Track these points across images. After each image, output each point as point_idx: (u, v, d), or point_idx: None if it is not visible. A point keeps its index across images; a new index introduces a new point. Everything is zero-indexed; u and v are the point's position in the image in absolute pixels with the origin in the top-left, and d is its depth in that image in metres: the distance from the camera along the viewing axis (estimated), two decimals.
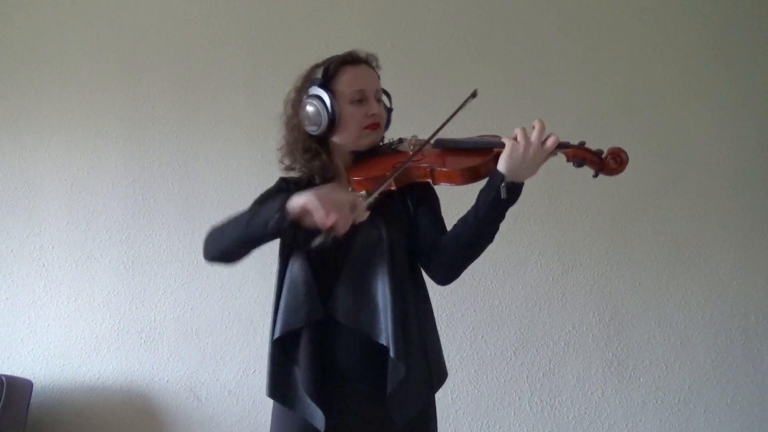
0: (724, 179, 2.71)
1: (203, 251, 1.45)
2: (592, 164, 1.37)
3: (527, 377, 2.63)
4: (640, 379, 2.63)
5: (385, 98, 1.54)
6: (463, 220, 1.38)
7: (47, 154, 2.75)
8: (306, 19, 2.77)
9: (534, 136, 1.31)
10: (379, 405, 1.36)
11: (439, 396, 2.71)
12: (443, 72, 2.73)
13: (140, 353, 2.65)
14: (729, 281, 2.67)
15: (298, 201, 1.25)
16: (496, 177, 1.32)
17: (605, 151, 1.36)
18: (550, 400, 2.62)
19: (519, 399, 2.62)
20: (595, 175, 1.38)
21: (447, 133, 1.45)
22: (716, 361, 2.63)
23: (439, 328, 2.74)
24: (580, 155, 1.35)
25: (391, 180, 1.38)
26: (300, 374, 1.37)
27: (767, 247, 2.69)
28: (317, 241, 1.22)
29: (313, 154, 1.48)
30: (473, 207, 1.35)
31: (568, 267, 2.67)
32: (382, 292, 1.37)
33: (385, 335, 1.34)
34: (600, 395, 2.62)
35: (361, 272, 1.39)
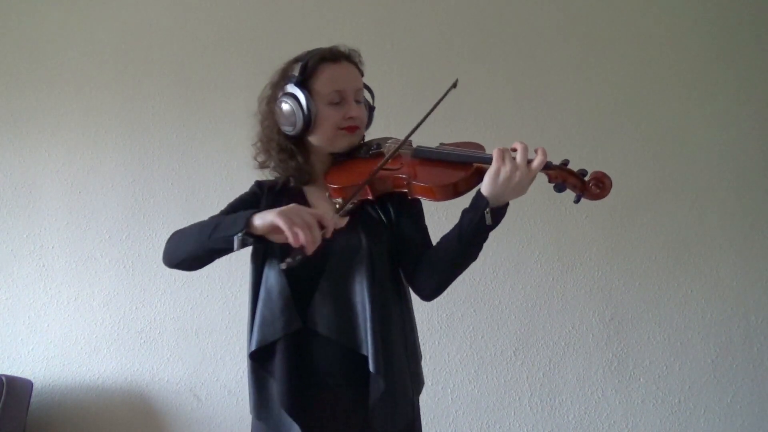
0: (724, 179, 2.71)
1: (163, 256, 1.41)
2: (574, 188, 1.32)
3: (527, 377, 2.63)
4: (640, 379, 2.63)
5: (367, 94, 1.48)
6: (446, 240, 1.33)
7: (47, 154, 2.76)
8: (306, 19, 2.77)
9: (519, 157, 1.24)
10: (361, 412, 1.32)
11: (439, 396, 2.73)
12: (443, 72, 2.73)
13: (140, 353, 2.65)
14: (729, 281, 2.67)
15: (264, 219, 1.21)
16: (480, 201, 1.26)
17: (589, 173, 1.32)
18: (550, 400, 2.62)
19: (519, 399, 2.62)
20: (577, 201, 1.34)
21: (439, 132, 1.42)
22: (716, 361, 2.63)
23: (439, 328, 2.76)
24: (562, 177, 1.31)
25: (365, 187, 1.33)
26: (276, 387, 1.32)
27: (767, 247, 2.69)
28: (286, 262, 1.18)
29: (289, 155, 1.42)
30: (456, 228, 1.31)
31: (568, 267, 2.67)
32: (362, 301, 1.32)
33: (365, 346, 1.30)
34: (600, 395, 2.62)
35: (339, 281, 1.34)
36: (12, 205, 2.73)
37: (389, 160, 1.33)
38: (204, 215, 2.80)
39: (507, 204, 1.28)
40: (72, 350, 2.66)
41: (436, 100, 1.36)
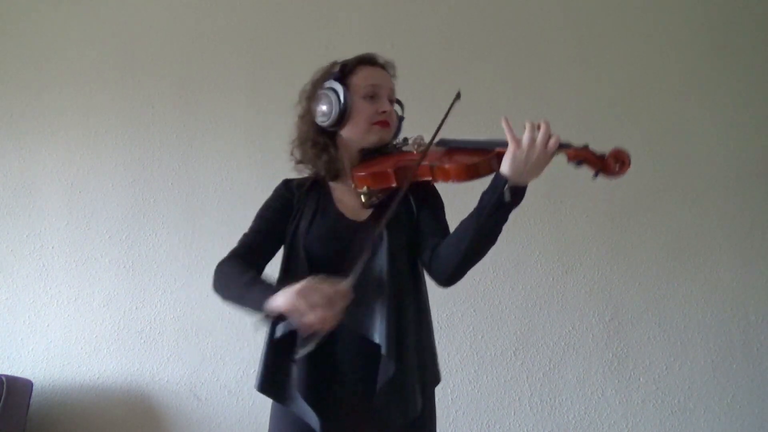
0: (724, 179, 2.71)
1: (214, 286, 1.45)
2: (592, 164, 1.34)
3: (527, 377, 2.63)
4: (640, 379, 2.63)
5: (397, 107, 1.55)
6: (466, 222, 1.36)
7: (47, 154, 2.76)
8: (306, 19, 2.78)
9: (540, 137, 1.27)
10: (371, 405, 1.35)
11: (439, 396, 2.71)
12: (443, 72, 2.73)
13: (140, 353, 2.65)
14: (729, 281, 2.67)
15: (278, 303, 1.24)
16: (499, 180, 1.30)
17: (607, 152, 1.35)
18: (550, 400, 2.62)
19: (519, 399, 2.62)
20: (595, 176, 1.36)
21: (447, 134, 1.45)
22: (716, 361, 2.63)
23: (439, 328, 2.73)
24: (581, 156, 1.33)
25: (390, 175, 1.38)
26: (297, 374, 1.36)
27: (767, 247, 2.69)
28: (301, 350, 1.23)
29: (322, 148, 1.48)
30: (476, 209, 1.33)
31: (568, 267, 2.67)
32: (380, 291, 1.36)
33: (378, 333, 1.34)
34: (600, 395, 2.62)
35: (364, 276, 1.35)
36: (12, 205, 2.73)
37: (425, 153, 1.39)
38: (204, 215, 2.82)
39: (525, 186, 1.31)
40: (72, 350, 2.66)
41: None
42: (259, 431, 2.60)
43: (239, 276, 1.38)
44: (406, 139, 1.52)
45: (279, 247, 1.47)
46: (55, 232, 2.71)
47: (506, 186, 1.28)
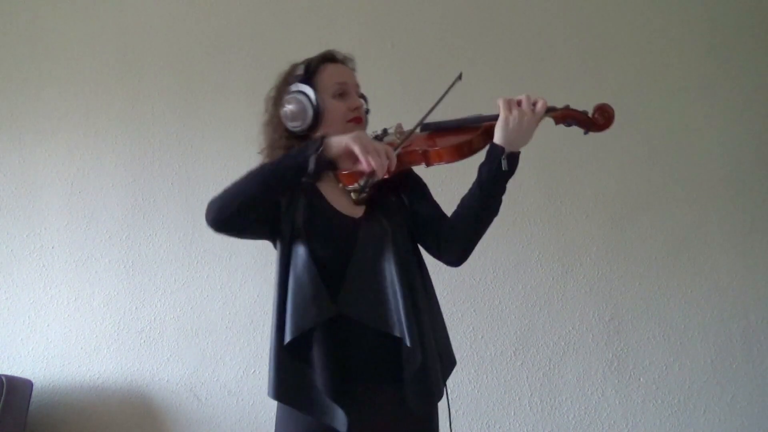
0: (724, 179, 2.71)
1: (209, 217, 1.36)
2: (581, 123, 1.42)
3: (527, 377, 2.63)
4: (640, 379, 2.63)
5: (361, 101, 1.52)
6: (468, 198, 1.40)
7: (47, 154, 2.76)
8: (306, 19, 2.78)
9: (524, 103, 1.36)
10: (396, 399, 1.36)
11: None
12: (443, 72, 2.73)
13: (140, 353, 2.65)
14: (729, 281, 2.67)
15: (339, 143, 1.27)
16: (495, 149, 1.35)
17: (590, 110, 1.42)
18: (550, 400, 2.62)
19: (519, 399, 2.62)
20: (586, 133, 1.43)
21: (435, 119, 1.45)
22: (716, 361, 2.63)
23: None
24: (569, 116, 1.41)
25: (402, 142, 1.39)
26: (317, 376, 1.32)
27: (767, 247, 2.69)
28: (357, 185, 1.26)
29: None
30: (476, 181, 1.38)
31: (568, 267, 2.67)
32: (391, 284, 1.36)
33: (399, 326, 1.34)
34: (600, 395, 2.62)
35: (368, 266, 1.38)
36: (12, 205, 2.74)
37: (406, 140, 1.40)
38: (204, 215, 2.81)
39: (519, 153, 1.36)
40: (72, 350, 2.66)
41: (438, 97, 1.43)
42: (259, 431, 2.60)
43: (254, 170, 1.35)
44: (385, 130, 1.49)
45: (264, 228, 1.43)
46: (55, 232, 2.72)
47: (503, 154, 1.33)
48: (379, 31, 2.76)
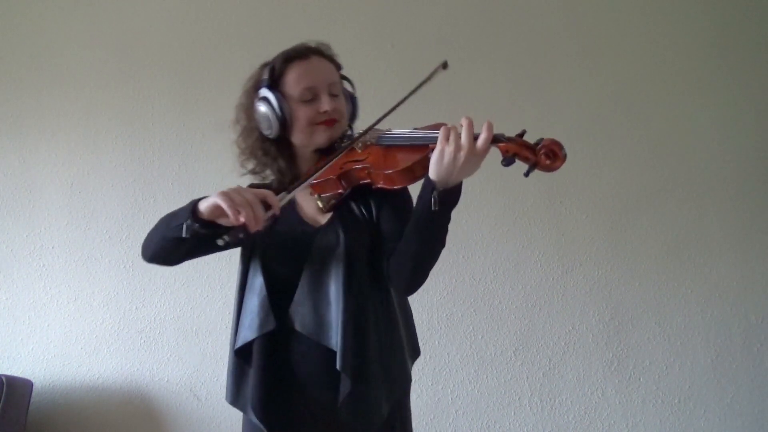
0: (724, 179, 2.71)
1: (141, 251, 1.40)
2: (525, 160, 1.20)
3: (527, 377, 2.63)
4: (640, 379, 2.63)
5: (347, 85, 1.46)
6: (407, 230, 1.27)
7: (47, 154, 2.76)
8: (306, 19, 2.77)
9: (463, 137, 1.16)
10: (333, 413, 1.32)
11: (439, 396, 2.73)
12: (443, 72, 2.73)
13: (140, 353, 2.65)
14: (729, 281, 2.67)
15: (207, 202, 1.21)
16: (427, 185, 1.20)
17: (541, 143, 1.21)
18: (550, 400, 2.62)
19: (519, 399, 2.62)
20: (527, 174, 1.21)
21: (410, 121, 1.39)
22: (716, 361, 2.63)
23: (439, 328, 2.75)
24: (513, 150, 1.18)
25: (337, 182, 1.34)
26: (251, 384, 1.35)
27: (767, 247, 2.69)
28: (223, 239, 1.17)
29: (272, 158, 1.42)
30: (413, 215, 1.25)
31: (568, 267, 2.67)
32: (336, 298, 1.31)
33: (335, 342, 1.30)
34: (600, 395, 2.62)
35: (317, 278, 1.34)
36: (12, 205, 2.73)
37: (347, 151, 1.32)
38: None
39: (460, 184, 1.20)
40: (72, 350, 2.66)
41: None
42: None
43: (167, 216, 1.32)
44: (351, 135, 1.42)
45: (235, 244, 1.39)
46: (55, 232, 2.71)
47: (434, 192, 1.18)
48: (378, 32, 2.76)
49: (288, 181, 1.41)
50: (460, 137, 1.16)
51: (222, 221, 1.21)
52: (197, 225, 1.21)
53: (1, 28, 2.82)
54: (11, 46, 2.81)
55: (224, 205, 1.17)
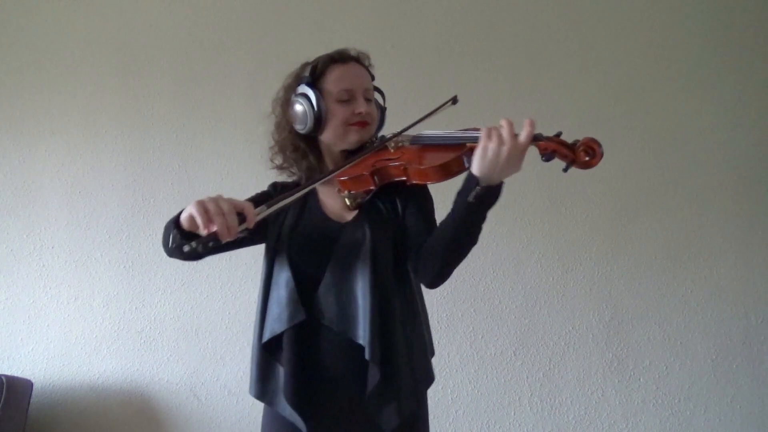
0: (724, 179, 2.71)
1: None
2: (563, 157, 1.27)
3: (527, 377, 2.63)
4: (640, 379, 2.63)
5: (378, 96, 1.53)
6: (443, 224, 1.32)
7: (47, 154, 2.76)
8: (306, 19, 2.77)
9: (504, 133, 1.20)
10: (362, 408, 1.36)
11: (439, 396, 2.73)
12: (443, 72, 2.73)
13: (140, 353, 2.65)
14: (729, 281, 2.67)
15: (185, 212, 1.23)
16: (470, 181, 1.24)
17: (579, 143, 1.28)
18: (550, 400, 2.62)
19: (519, 399, 2.62)
20: (565, 169, 1.29)
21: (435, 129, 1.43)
22: (716, 361, 2.63)
23: (439, 328, 2.75)
24: (551, 147, 1.26)
25: (368, 178, 1.38)
26: (282, 377, 1.37)
27: (767, 247, 2.69)
28: (189, 245, 1.19)
29: (302, 154, 1.47)
30: (451, 210, 1.29)
31: (568, 267, 2.67)
32: (362, 292, 1.35)
33: (363, 336, 1.33)
34: (600, 395, 2.62)
35: (343, 273, 1.38)
36: (12, 205, 2.73)
37: (379, 149, 1.39)
38: None
39: (501, 183, 1.24)
40: (72, 350, 2.66)
41: (437, 102, 1.42)
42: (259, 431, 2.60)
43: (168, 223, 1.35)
44: (383, 137, 1.48)
45: (251, 241, 1.45)
46: (55, 232, 2.72)
47: (477, 187, 1.22)
48: (379, 31, 2.76)
49: (312, 176, 1.46)
50: (501, 134, 1.21)
51: (199, 231, 1.21)
52: (178, 234, 1.24)
53: (1, 28, 2.82)
54: (11, 46, 2.81)
55: (195, 213, 1.19)
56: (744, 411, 2.61)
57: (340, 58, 1.46)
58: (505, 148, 1.20)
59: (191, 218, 1.21)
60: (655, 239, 2.69)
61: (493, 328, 2.65)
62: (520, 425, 2.61)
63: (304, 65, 1.49)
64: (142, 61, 2.79)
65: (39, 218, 2.72)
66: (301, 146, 1.47)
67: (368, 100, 1.46)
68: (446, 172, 1.31)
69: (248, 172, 2.68)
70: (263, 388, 1.41)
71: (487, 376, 2.63)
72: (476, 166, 1.22)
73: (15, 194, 2.74)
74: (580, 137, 1.31)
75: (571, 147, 1.26)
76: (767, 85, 2.76)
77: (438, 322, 2.63)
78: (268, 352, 1.41)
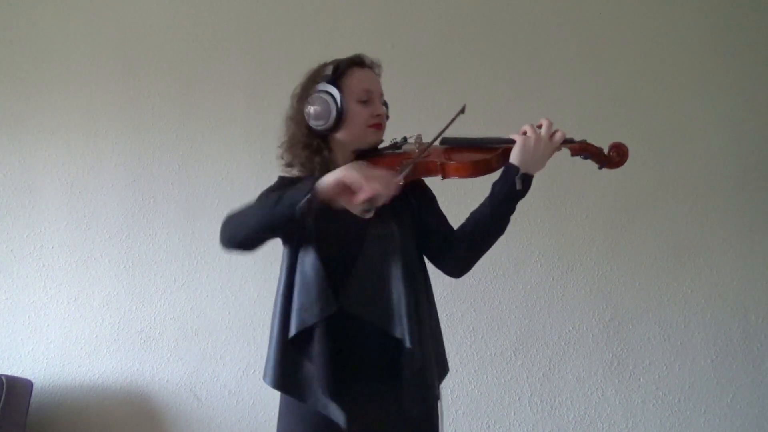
0: (724, 179, 2.71)
1: (221, 238, 1.41)
2: (596, 157, 1.50)
3: (527, 377, 2.63)
4: (640, 379, 2.63)
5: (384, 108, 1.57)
6: (477, 213, 1.45)
7: (47, 154, 2.75)
8: (306, 19, 2.77)
9: (543, 130, 1.41)
10: (393, 398, 1.39)
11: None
12: (443, 72, 2.73)
13: (140, 353, 2.65)
14: (729, 281, 2.67)
15: (333, 176, 1.26)
16: (511, 169, 1.40)
17: (606, 147, 1.50)
18: (550, 400, 2.62)
19: (519, 399, 2.62)
20: (600, 167, 1.52)
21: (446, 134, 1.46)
22: (716, 361, 2.63)
23: None
24: (582, 149, 1.49)
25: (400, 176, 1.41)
26: (315, 371, 1.37)
27: (767, 247, 2.69)
28: (362, 209, 1.24)
29: (314, 151, 1.48)
30: (488, 199, 1.43)
31: (568, 267, 2.67)
32: (396, 285, 1.39)
33: (400, 327, 1.37)
34: (600, 395, 2.62)
35: (374, 266, 1.41)
36: (12, 205, 2.73)
37: (424, 152, 1.44)
38: (204, 215, 2.83)
39: (532, 176, 1.42)
40: (72, 350, 2.66)
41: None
42: (259, 431, 2.60)
43: (260, 200, 1.39)
44: (405, 138, 1.53)
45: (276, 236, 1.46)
46: (55, 232, 2.71)
47: (518, 174, 1.39)
48: (379, 32, 2.76)
49: (323, 174, 1.44)
50: (540, 131, 1.41)
51: (340, 200, 1.27)
52: (315, 203, 1.26)
53: (2, 28, 2.82)
54: (11, 46, 2.81)
55: (357, 177, 1.24)
56: (744, 411, 2.61)
57: (360, 62, 1.51)
58: (542, 144, 1.40)
59: (343, 186, 1.25)
60: (655, 239, 2.69)
61: (493, 328, 2.65)
62: (520, 425, 2.61)
63: (324, 65, 1.51)
64: (142, 61, 2.79)
65: (39, 218, 2.72)
66: (314, 143, 1.48)
67: (382, 103, 1.53)
68: (487, 167, 1.43)
69: (248, 172, 2.68)
70: (289, 381, 1.40)
71: (487, 376, 2.63)
72: (516, 156, 1.40)
73: (15, 194, 2.74)
74: (584, 138, 1.49)
75: (600, 150, 1.50)
76: (767, 85, 2.76)
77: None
78: (294, 344, 1.39)
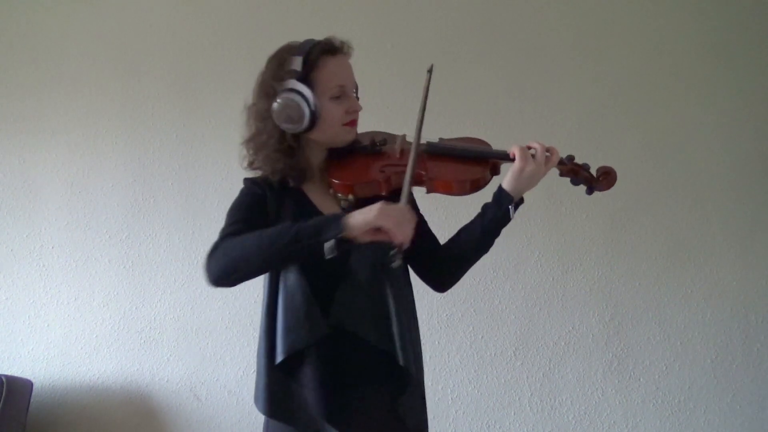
0: (724, 179, 2.71)
1: (210, 273, 1.32)
2: (585, 181, 1.47)
3: (527, 377, 2.63)
4: (640, 379, 2.63)
5: None
6: (466, 233, 1.41)
7: (47, 154, 2.76)
8: (306, 19, 2.77)
9: (539, 156, 1.34)
10: (389, 412, 1.35)
11: (439, 396, 2.73)
12: (443, 72, 2.72)
13: (140, 353, 2.65)
14: (729, 281, 2.67)
15: (363, 219, 1.18)
16: (504, 197, 1.36)
17: (594, 170, 1.47)
18: (550, 400, 2.62)
19: (519, 399, 2.62)
20: (589, 193, 1.51)
21: (439, 132, 1.45)
22: (716, 361, 2.63)
23: (439, 328, 2.76)
24: (573, 171, 1.45)
25: (379, 183, 1.35)
26: (309, 394, 1.29)
27: (767, 247, 2.69)
28: (396, 259, 1.20)
29: (285, 153, 1.36)
30: (479, 220, 1.39)
31: (568, 267, 2.67)
32: (386, 299, 1.35)
33: (392, 343, 1.33)
34: (600, 395, 2.62)
35: (364, 278, 1.34)
36: (12, 205, 2.74)
37: (415, 160, 1.32)
38: (204, 215, 2.82)
39: (523, 201, 1.39)
40: (72, 350, 2.66)
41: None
42: (259, 431, 2.60)
43: (263, 235, 1.24)
44: (384, 140, 1.43)
45: None
46: (55, 232, 2.71)
47: (511, 204, 1.35)
48: (379, 31, 2.76)
49: (297, 176, 1.38)
50: (535, 157, 1.34)
51: (365, 238, 1.20)
52: (345, 244, 1.19)
53: (2, 28, 2.82)
54: (11, 46, 2.81)
55: (390, 226, 1.18)
56: (744, 411, 2.61)
57: (330, 49, 1.36)
58: (541, 171, 1.35)
59: (372, 230, 1.19)
60: (655, 239, 2.68)
61: (493, 328, 2.65)
62: (520, 425, 2.61)
63: (287, 53, 1.36)
64: (143, 61, 2.79)
65: (39, 218, 2.72)
66: (285, 145, 1.36)
67: (357, 96, 1.41)
68: (475, 187, 1.38)
69: (248, 172, 2.68)
70: (280, 407, 1.31)
71: (487, 376, 2.63)
72: (510, 184, 1.35)
73: (15, 194, 2.74)
74: (582, 140, 1.45)
75: (590, 173, 1.47)
76: (767, 85, 2.76)
77: (438, 322, 2.63)
78: (282, 369, 1.30)
